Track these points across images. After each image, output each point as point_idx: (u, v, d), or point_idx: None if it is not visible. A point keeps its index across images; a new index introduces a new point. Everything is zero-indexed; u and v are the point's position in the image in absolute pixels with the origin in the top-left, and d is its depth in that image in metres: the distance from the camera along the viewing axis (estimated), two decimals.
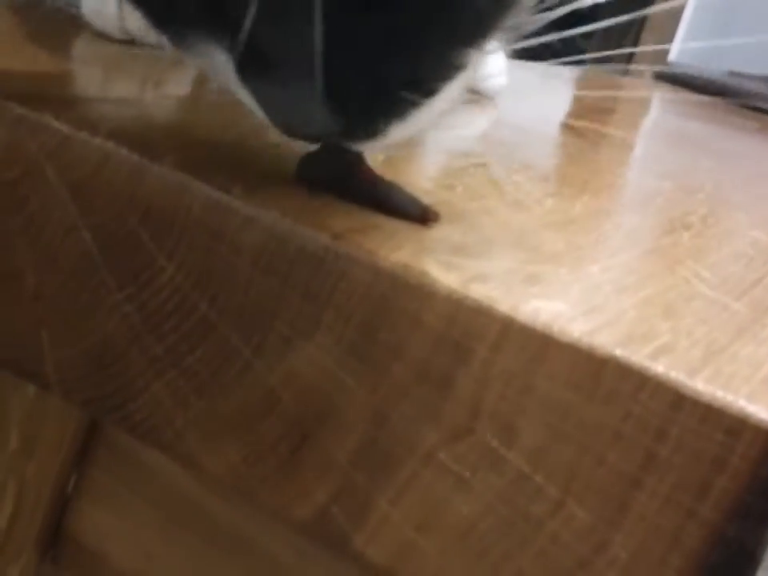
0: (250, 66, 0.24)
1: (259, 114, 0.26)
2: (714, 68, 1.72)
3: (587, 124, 0.68)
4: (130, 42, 0.45)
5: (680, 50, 1.85)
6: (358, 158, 0.28)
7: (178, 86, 0.43)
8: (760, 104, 1.35)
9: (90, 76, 0.38)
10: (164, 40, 0.43)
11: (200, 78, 0.44)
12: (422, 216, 0.28)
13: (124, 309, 0.27)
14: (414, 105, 0.25)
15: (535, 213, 0.34)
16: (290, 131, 0.26)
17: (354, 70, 0.23)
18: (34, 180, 0.28)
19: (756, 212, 0.50)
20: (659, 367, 0.22)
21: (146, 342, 0.27)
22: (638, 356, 0.23)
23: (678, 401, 0.22)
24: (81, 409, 0.30)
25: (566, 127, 0.63)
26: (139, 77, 0.41)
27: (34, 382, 0.29)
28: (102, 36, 0.45)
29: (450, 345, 0.24)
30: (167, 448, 0.28)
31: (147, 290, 0.27)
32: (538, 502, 0.23)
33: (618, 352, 0.23)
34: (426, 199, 0.29)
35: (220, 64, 0.25)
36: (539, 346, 0.23)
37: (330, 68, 0.23)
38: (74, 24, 0.45)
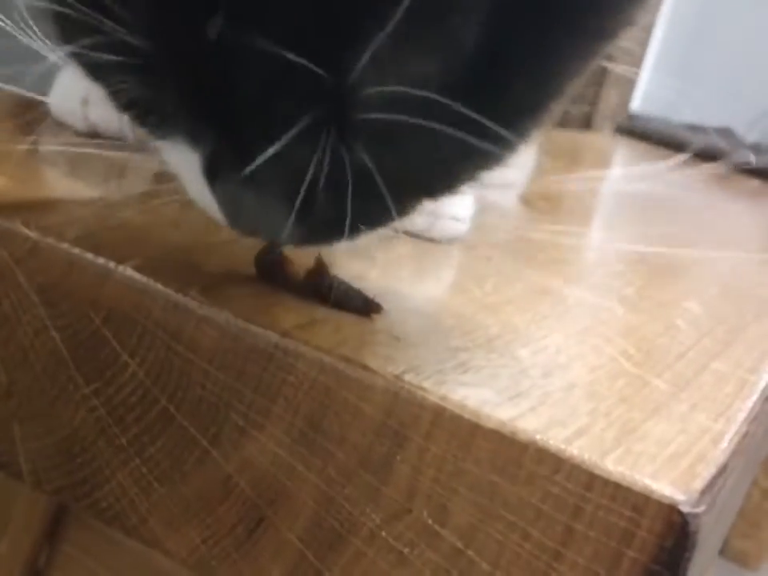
0: (219, 169, 0.26)
1: (216, 214, 0.28)
2: (676, 119, 1.77)
3: (540, 191, 0.71)
4: (93, 133, 0.47)
5: (642, 101, 1.91)
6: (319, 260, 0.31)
7: (138, 182, 0.45)
8: (718, 158, 1.39)
9: (57, 177, 0.41)
10: (127, 131, 0.46)
11: (158, 174, 0.47)
12: (365, 308, 0.31)
13: (91, 403, 0.30)
14: (366, 231, 0.28)
15: (474, 295, 0.37)
16: (249, 234, 0.28)
17: (323, 200, 0.25)
18: (5, 284, 0.30)
19: (694, 280, 0.53)
20: (574, 450, 0.25)
21: (111, 433, 0.29)
22: (555, 440, 0.25)
23: (590, 481, 0.24)
24: (51, 496, 0.32)
25: (518, 197, 0.66)
26: (102, 174, 0.44)
27: (6, 472, 0.31)
28: (65, 126, 0.47)
29: (389, 433, 0.26)
30: (132, 531, 0.30)
31: (112, 385, 0.29)
32: None
33: (538, 437, 0.25)
34: (369, 289, 0.32)
35: (188, 161, 0.27)
36: (467, 433, 0.26)
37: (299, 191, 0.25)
38: (37, 111, 0.47)
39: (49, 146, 0.46)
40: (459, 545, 0.26)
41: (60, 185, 0.40)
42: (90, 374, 0.30)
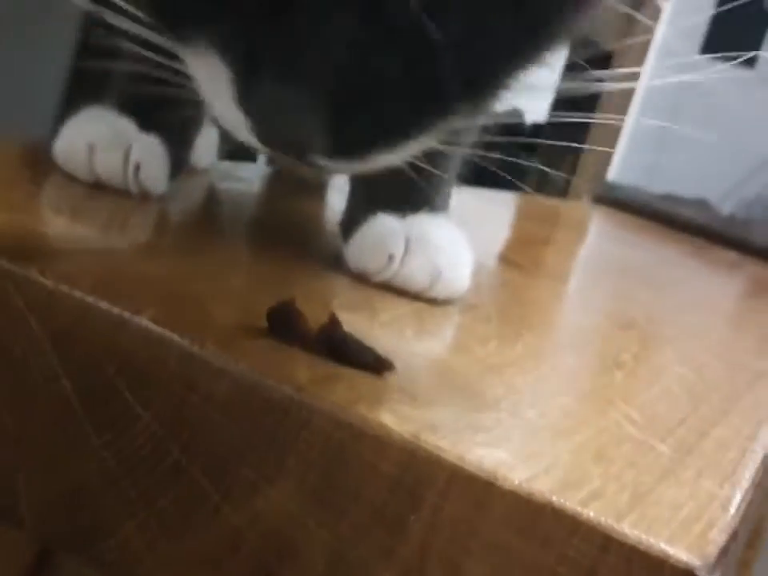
0: (249, 76, 0.26)
1: (242, 132, 0.28)
2: (652, 188, 1.81)
3: (524, 255, 0.73)
4: (97, 182, 0.47)
5: (619, 171, 1.95)
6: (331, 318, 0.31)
7: (142, 231, 0.45)
8: (693, 228, 1.42)
9: (67, 225, 0.41)
10: (131, 182, 0.47)
11: (159, 225, 0.47)
12: (377, 366, 0.31)
13: (101, 454, 0.29)
14: (398, 140, 0.28)
15: (478, 356, 0.37)
16: (275, 146, 0.28)
17: (358, 99, 0.26)
18: (18, 331, 0.30)
19: (684, 347, 0.54)
20: (590, 513, 0.25)
21: (120, 485, 0.29)
22: (571, 502, 0.25)
23: (606, 543, 0.25)
24: (52, 547, 0.31)
25: (505, 260, 0.67)
26: (106, 222, 0.44)
27: (7, 520, 0.31)
28: (70, 176, 0.47)
29: (404, 491, 0.26)
30: None
31: (124, 436, 0.29)
32: None
33: (554, 498, 0.25)
34: (378, 346, 0.32)
35: (215, 74, 0.27)
36: (483, 492, 0.26)
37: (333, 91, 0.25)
38: (41, 160, 0.48)
39: (54, 194, 0.46)
40: None
41: (68, 232, 0.40)
42: (101, 424, 0.29)
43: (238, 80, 0.27)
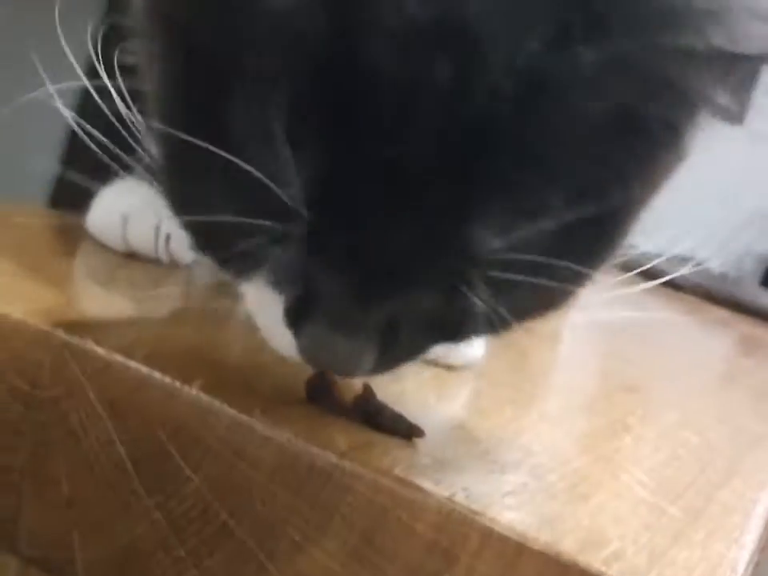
0: (301, 309, 0.29)
1: (285, 348, 0.31)
2: (641, 246, 1.84)
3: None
4: (130, 252, 0.50)
5: None
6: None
7: (178, 297, 0.48)
8: (684, 287, 1.45)
9: (112, 297, 0.44)
10: (162, 252, 0.49)
11: (185, 294, 0.50)
12: (408, 432, 0.33)
13: (152, 515, 0.31)
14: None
15: (496, 421, 0.40)
16: (323, 367, 0.32)
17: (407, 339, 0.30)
18: (76, 398, 0.33)
19: (685, 409, 0.56)
20: (613, 573, 0.27)
21: (170, 544, 0.31)
22: (595, 562, 0.28)
23: None
24: None
25: None
26: (139, 291, 0.46)
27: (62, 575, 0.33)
28: (98, 243, 0.50)
29: (439, 551, 0.29)
30: None
31: (174, 498, 0.31)
32: None
33: (580, 558, 0.27)
34: (406, 412, 0.34)
35: (265, 298, 0.30)
36: (513, 553, 0.28)
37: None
38: (71, 232, 0.50)
39: (91, 264, 0.49)
40: None
41: (110, 303, 0.42)
42: (153, 487, 0.32)
43: (293, 314, 0.30)
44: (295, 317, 0.30)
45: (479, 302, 0.28)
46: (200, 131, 0.27)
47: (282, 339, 0.31)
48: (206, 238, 0.32)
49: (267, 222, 0.27)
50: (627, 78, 0.26)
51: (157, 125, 0.30)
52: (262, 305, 0.31)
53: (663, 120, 0.28)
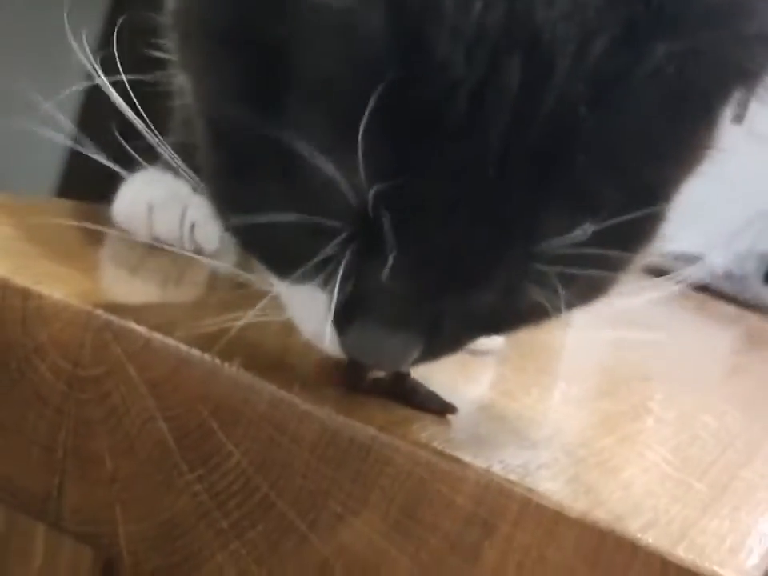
0: (349, 308, 0.30)
1: (326, 346, 0.31)
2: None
3: None
4: (155, 240, 0.51)
5: None
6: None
7: (201, 285, 0.49)
8: (694, 286, 1.45)
9: (144, 282, 0.44)
10: (187, 241, 0.50)
11: (210, 281, 0.50)
12: (442, 409, 0.34)
13: (194, 488, 0.32)
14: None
15: (525, 402, 0.40)
16: (366, 361, 0.32)
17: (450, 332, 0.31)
18: (117, 377, 0.33)
19: (703, 396, 0.57)
20: (649, 539, 0.28)
21: (212, 517, 0.32)
22: (631, 530, 0.28)
23: (664, 568, 0.28)
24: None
25: None
26: (164, 278, 0.47)
27: (107, 552, 0.34)
28: (128, 236, 0.50)
29: (478, 521, 0.29)
30: None
31: (216, 472, 0.32)
32: None
33: (617, 526, 0.28)
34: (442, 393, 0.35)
35: (308, 298, 0.30)
36: (551, 521, 0.29)
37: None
38: (98, 223, 0.51)
39: (119, 252, 0.49)
40: None
41: (151, 288, 0.43)
42: (195, 462, 0.32)
43: (341, 314, 0.30)
44: (343, 316, 0.30)
45: (536, 296, 0.28)
46: (259, 129, 0.28)
47: (323, 337, 0.31)
48: (257, 241, 0.32)
49: (331, 222, 0.27)
50: (696, 69, 0.27)
51: (205, 125, 0.31)
52: (305, 304, 0.31)
53: (717, 106, 0.29)
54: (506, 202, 0.27)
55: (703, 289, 1.44)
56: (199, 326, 0.37)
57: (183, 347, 0.33)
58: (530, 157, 0.26)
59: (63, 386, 0.34)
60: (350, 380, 0.35)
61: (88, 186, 0.51)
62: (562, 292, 0.28)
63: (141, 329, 0.34)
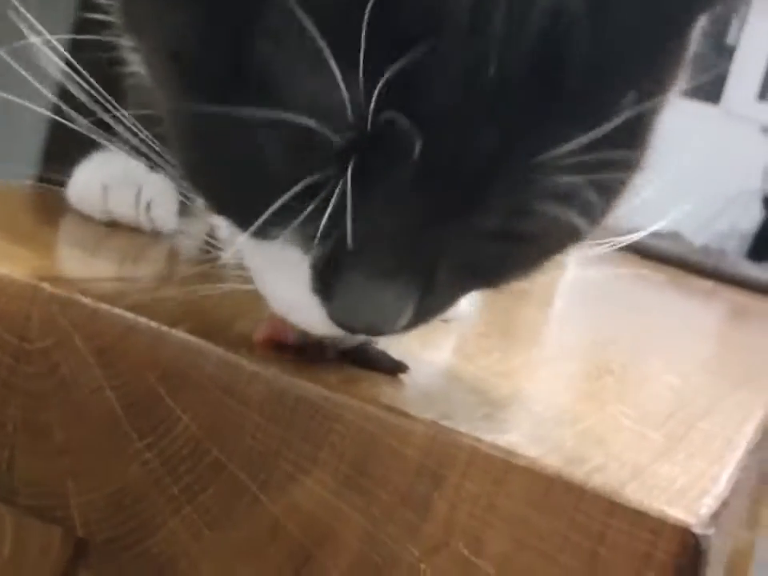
0: (337, 268, 0.28)
1: (304, 314, 0.30)
2: (624, 222, 1.85)
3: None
4: (110, 221, 0.50)
5: None
6: None
7: (161, 261, 0.48)
8: (668, 259, 1.46)
9: (98, 260, 0.44)
10: (143, 220, 0.50)
11: (170, 257, 0.50)
12: (393, 369, 0.34)
13: (144, 456, 0.32)
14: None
15: (483, 364, 0.40)
16: (352, 329, 0.30)
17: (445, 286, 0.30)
18: (65, 348, 0.33)
19: (670, 359, 0.57)
20: (596, 482, 0.28)
21: (163, 483, 0.32)
22: (578, 473, 0.28)
23: (611, 509, 0.27)
24: (102, 547, 0.34)
25: None
26: (122, 257, 0.47)
27: (59, 525, 0.33)
28: (84, 216, 0.50)
29: (427, 473, 0.29)
30: None
31: (165, 438, 0.32)
32: None
33: (563, 471, 0.28)
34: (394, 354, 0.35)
35: (286, 261, 0.29)
36: (500, 470, 0.29)
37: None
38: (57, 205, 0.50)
39: (75, 232, 0.49)
40: (493, 573, 0.28)
41: (94, 265, 0.43)
42: (144, 429, 0.32)
43: (323, 272, 0.29)
44: (326, 277, 0.28)
45: (543, 220, 0.28)
46: (228, 75, 0.27)
47: (304, 311, 0.30)
48: (229, 201, 0.30)
49: (326, 130, 0.26)
50: None
51: (169, 66, 0.29)
52: (278, 270, 0.30)
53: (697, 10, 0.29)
54: (506, 106, 0.26)
55: (681, 264, 1.45)
56: (148, 296, 0.37)
57: (130, 315, 0.33)
58: (529, 56, 0.26)
59: (10, 360, 0.33)
60: (310, 355, 0.34)
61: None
62: (567, 202, 0.28)
63: (87, 300, 0.33)
